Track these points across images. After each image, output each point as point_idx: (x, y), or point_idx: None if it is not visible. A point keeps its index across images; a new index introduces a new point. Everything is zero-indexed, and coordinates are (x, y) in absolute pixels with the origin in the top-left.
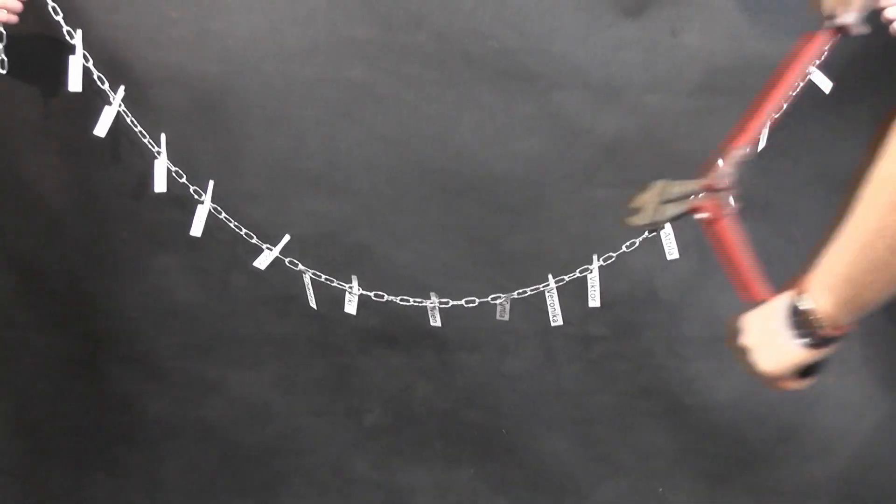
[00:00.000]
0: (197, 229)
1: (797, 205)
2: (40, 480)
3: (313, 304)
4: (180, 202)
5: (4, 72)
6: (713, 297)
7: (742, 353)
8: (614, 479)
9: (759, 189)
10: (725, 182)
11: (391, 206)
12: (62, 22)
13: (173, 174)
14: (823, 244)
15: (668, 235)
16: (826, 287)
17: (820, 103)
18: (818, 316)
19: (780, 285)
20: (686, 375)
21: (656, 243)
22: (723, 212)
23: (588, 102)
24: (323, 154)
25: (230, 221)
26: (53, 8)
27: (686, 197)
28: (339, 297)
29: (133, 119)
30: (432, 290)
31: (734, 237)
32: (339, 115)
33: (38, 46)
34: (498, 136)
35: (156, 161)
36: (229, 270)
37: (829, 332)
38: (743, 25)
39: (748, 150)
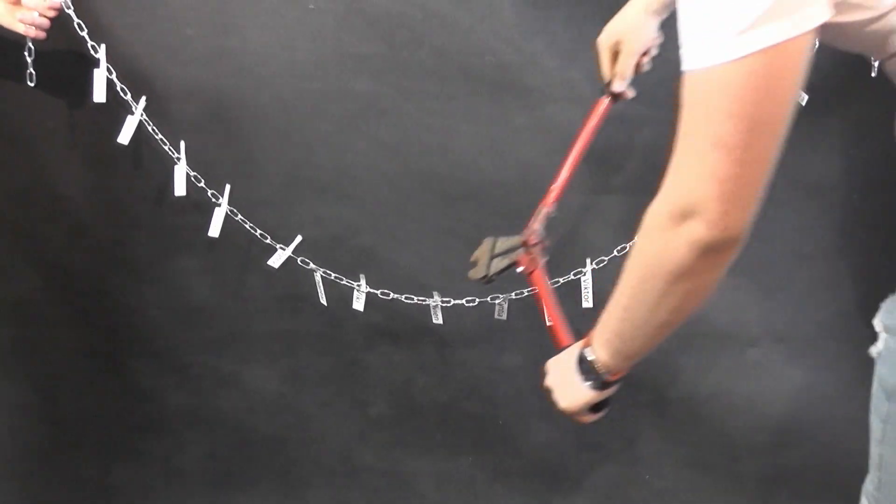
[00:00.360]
0: (215, 230)
1: (774, 210)
2: (68, 467)
3: (324, 301)
4: (198, 206)
5: (33, 85)
6: None
7: (547, 392)
8: (603, 467)
9: None
10: (536, 238)
11: (395, 211)
12: (87, 38)
13: (192, 179)
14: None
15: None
16: (603, 341)
17: (797, 113)
18: (598, 365)
19: (758, 284)
20: (670, 370)
21: None
22: (536, 265)
23: (578, 114)
24: (331, 162)
25: (245, 223)
26: (79, 24)
27: (509, 252)
28: (347, 295)
29: (154, 128)
30: (434, 290)
31: (545, 288)
32: (347, 126)
33: (64, 61)
34: (494, 146)
35: (176, 167)
36: (243, 271)
37: (607, 378)
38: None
39: (554, 210)
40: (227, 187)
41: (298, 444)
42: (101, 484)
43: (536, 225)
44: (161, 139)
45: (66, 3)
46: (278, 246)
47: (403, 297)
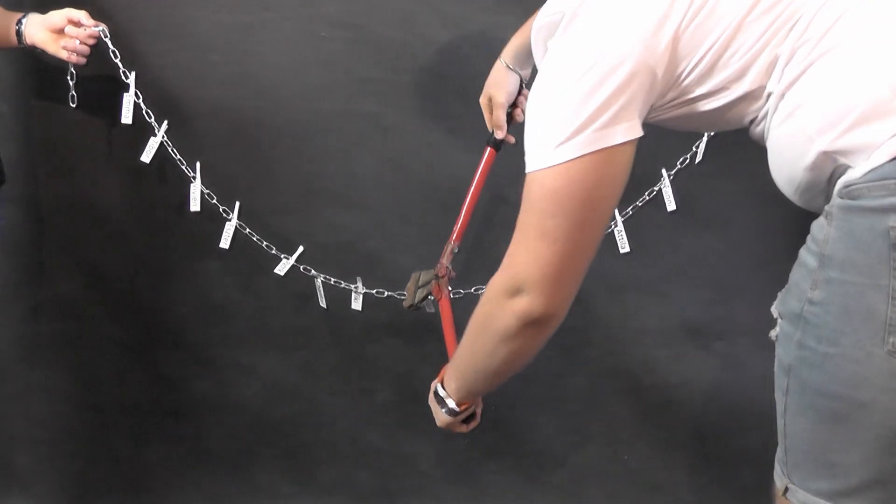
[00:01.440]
0: (225, 242)
1: (735, 216)
2: (105, 448)
3: (323, 304)
4: (217, 217)
5: (74, 105)
6: (668, 294)
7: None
8: (585, 448)
9: (702, 203)
10: (444, 271)
11: (398, 219)
12: (120, 64)
13: (206, 196)
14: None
15: (620, 232)
16: (451, 378)
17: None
18: (447, 398)
19: (723, 284)
20: (646, 360)
21: (623, 253)
22: (442, 293)
23: None
24: (341, 174)
25: (253, 236)
26: (114, 52)
27: (427, 283)
28: (349, 296)
29: (174, 149)
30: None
31: (447, 315)
32: (354, 143)
33: (102, 84)
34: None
35: (191, 185)
36: (260, 274)
37: (455, 407)
38: None
39: (457, 246)
40: (237, 204)
41: (311, 427)
42: (134, 463)
43: (444, 259)
44: (179, 159)
45: (104, 32)
46: (283, 256)
47: (397, 293)
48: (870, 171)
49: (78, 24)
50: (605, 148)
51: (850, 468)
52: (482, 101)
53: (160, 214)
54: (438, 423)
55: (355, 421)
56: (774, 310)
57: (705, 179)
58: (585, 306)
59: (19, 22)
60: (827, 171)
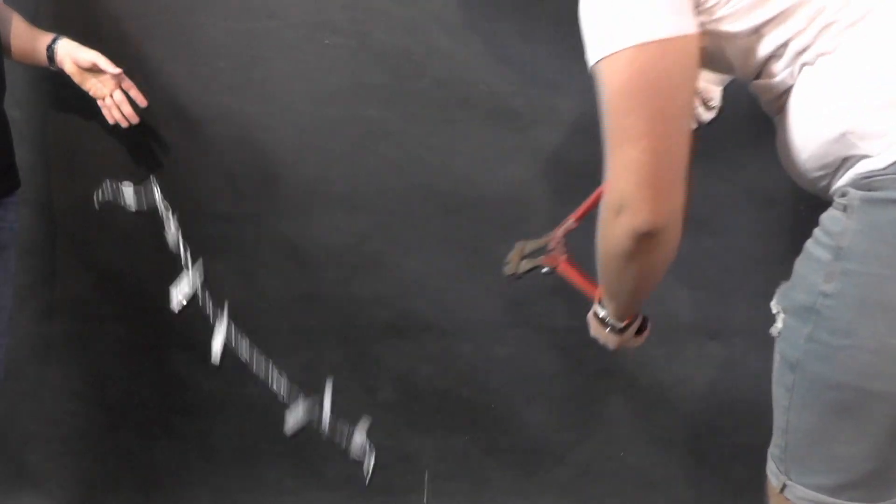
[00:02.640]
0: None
1: (729, 217)
2: (116, 445)
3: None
4: (224, 220)
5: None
6: (664, 294)
7: (595, 338)
8: (582, 444)
9: (697, 204)
10: (556, 244)
11: (401, 222)
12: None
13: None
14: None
15: None
16: (605, 300)
17: (751, 136)
18: (608, 318)
19: (718, 284)
20: (641, 359)
21: None
22: (558, 261)
23: (562, 136)
24: (344, 178)
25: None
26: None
27: (535, 254)
28: (359, 299)
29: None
30: (435, 290)
31: (574, 274)
32: (358, 147)
33: None
34: (488, 164)
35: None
36: (266, 274)
37: (619, 325)
38: None
39: (575, 225)
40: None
41: (315, 425)
42: (143, 460)
43: (559, 232)
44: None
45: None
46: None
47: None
48: (893, 164)
49: (98, 70)
50: (667, 38)
51: (853, 461)
52: None
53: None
54: (611, 345)
55: (358, 418)
56: (775, 305)
57: (700, 180)
58: (584, 307)
59: (51, 46)
60: (842, 153)
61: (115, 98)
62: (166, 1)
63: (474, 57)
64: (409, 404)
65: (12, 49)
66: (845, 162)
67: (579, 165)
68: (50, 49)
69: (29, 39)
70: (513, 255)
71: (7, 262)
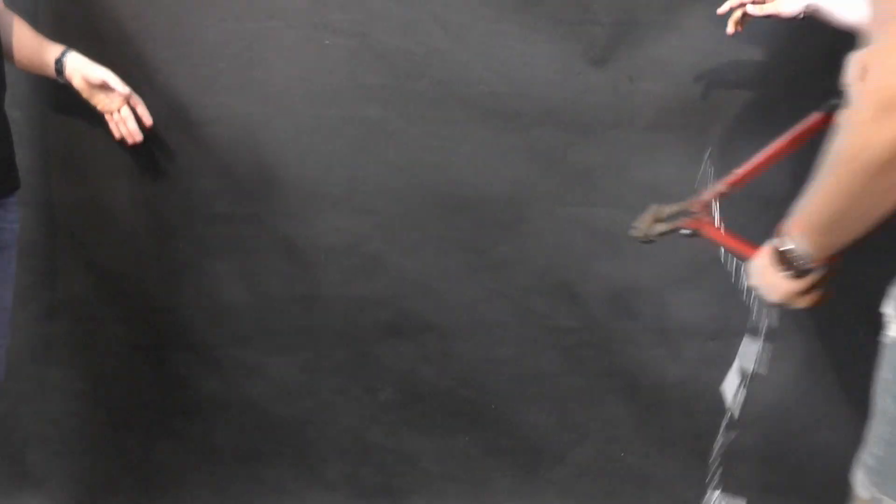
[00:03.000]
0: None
1: (731, 219)
2: (116, 445)
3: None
4: (226, 221)
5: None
6: (663, 296)
7: (755, 290)
8: (583, 445)
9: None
10: (700, 206)
11: (401, 222)
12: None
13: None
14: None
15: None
16: (802, 232)
17: (752, 137)
18: (799, 254)
19: (718, 285)
20: (642, 360)
21: (620, 255)
22: (702, 224)
23: (561, 136)
24: (345, 179)
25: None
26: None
27: (674, 217)
28: (359, 295)
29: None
30: (435, 290)
31: (720, 235)
32: (358, 148)
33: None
34: (487, 164)
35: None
36: (267, 275)
37: (807, 265)
38: (685, 74)
39: (728, 192)
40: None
41: (316, 425)
42: (144, 460)
43: (707, 195)
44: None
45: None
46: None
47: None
48: None
49: (107, 87)
50: None
51: None
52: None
53: (170, 218)
54: (776, 296)
55: (359, 419)
56: (892, 310)
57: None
58: (583, 308)
59: (60, 60)
60: None
61: (122, 114)
62: (166, 1)
63: (474, 57)
64: (410, 404)
65: (16, 58)
66: None
67: (579, 165)
68: (59, 63)
69: (36, 50)
70: (645, 217)
71: (7, 262)
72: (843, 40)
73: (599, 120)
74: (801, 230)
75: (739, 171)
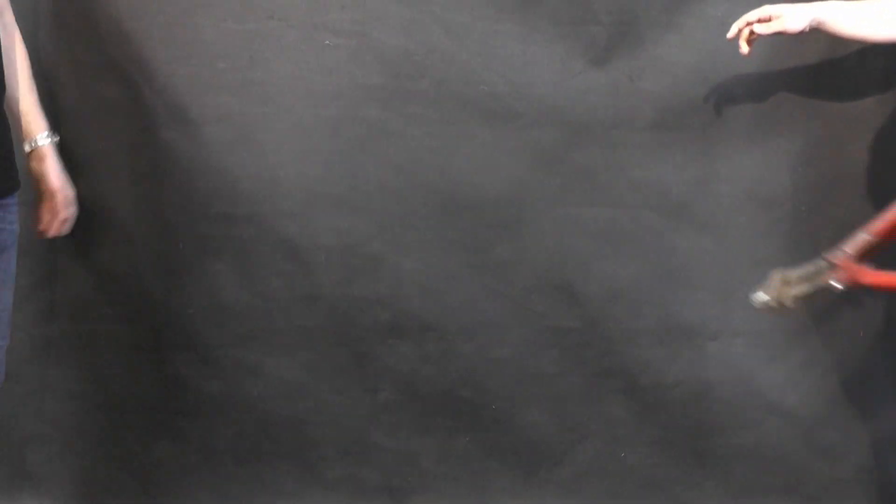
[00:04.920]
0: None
1: (733, 220)
2: (116, 445)
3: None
4: (226, 221)
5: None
6: (664, 295)
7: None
8: (583, 446)
9: (700, 207)
10: (839, 258)
11: (400, 222)
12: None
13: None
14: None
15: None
16: None
17: (752, 137)
18: None
19: (718, 285)
20: (642, 360)
21: (620, 255)
22: (852, 274)
23: (561, 136)
24: (344, 179)
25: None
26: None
27: (812, 277)
28: (358, 296)
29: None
30: (436, 291)
31: (879, 280)
32: (358, 148)
33: (114, 89)
34: (487, 164)
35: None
36: (267, 275)
37: None
38: (685, 74)
39: (870, 239)
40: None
41: (316, 426)
42: (144, 460)
43: (849, 249)
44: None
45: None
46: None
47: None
48: None
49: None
50: None
51: None
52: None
53: (170, 218)
54: None
55: (359, 419)
56: None
57: (700, 182)
58: (584, 308)
59: (33, 142)
60: None
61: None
62: (166, 2)
63: (474, 57)
64: (410, 405)
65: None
66: None
67: (578, 166)
68: (33, 142)
69: (22, 110)
70: (771, 285)
71: (7, 263)
72: (843, 44)
73: (599, 120)
74: None
75: (885, 219)
